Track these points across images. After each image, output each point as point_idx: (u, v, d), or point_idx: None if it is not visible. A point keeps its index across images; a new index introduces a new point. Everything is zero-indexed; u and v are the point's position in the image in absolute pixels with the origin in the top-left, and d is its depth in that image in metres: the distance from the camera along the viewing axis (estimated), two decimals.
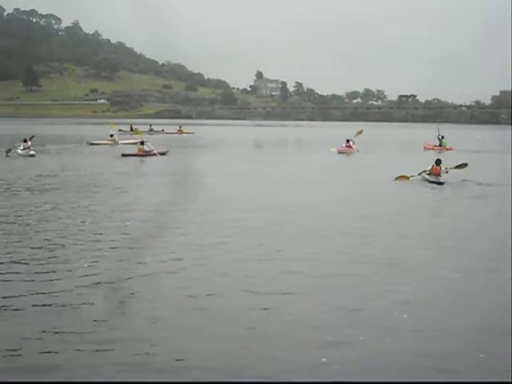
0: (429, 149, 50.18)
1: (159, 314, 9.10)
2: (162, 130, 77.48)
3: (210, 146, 54.73)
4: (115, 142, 53.21)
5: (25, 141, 40.88)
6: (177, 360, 7.40)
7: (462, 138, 69.30)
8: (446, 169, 26.69)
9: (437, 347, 7.94)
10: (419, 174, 27.01)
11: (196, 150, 46.46)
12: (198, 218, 16.76)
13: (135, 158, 39.75)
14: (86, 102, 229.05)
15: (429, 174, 26.68)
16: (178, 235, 14.47)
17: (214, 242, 13.82)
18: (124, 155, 40.27)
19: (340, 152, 45.21)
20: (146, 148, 41.10)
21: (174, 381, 6.29)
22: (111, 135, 54.18)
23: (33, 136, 43.65)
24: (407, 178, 26.99)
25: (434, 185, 25.44)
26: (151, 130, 75.92)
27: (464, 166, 27.63)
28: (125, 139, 55.32)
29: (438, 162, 26.79)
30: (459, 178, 26.71)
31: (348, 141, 46.43)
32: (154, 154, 40.67)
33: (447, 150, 48.77)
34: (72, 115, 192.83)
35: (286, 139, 75.30)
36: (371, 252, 13.11)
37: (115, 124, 63.27)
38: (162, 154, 41.97)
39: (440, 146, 50.43)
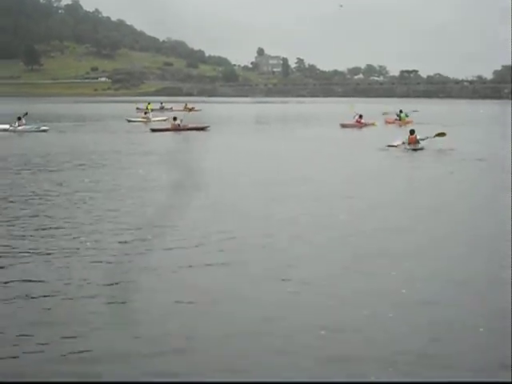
0: (390, 122, 53.35)
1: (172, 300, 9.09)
2: (171, 108, 76.62)
3: (222, 123, 54.22)
4: (148, 119, 55.28)
5: (19, 118, 42.21)
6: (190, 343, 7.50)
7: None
8: (426, 137, 30.77)
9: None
10: (402, 143, 30.68)
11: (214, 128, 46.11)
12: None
13: (167, 132, 41.41)
14: (86, 81, 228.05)
15: (408, 144, 30.56)
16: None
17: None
18: (153, 130, 42.12)
19: (347, 126, 47.97)
20: (176, 123, 42.32)
21: (174, 381, 6.27)
22: (145, 113, 57.03)
23: (26, 113, 44.44)
24: (395, 146, 30.63)
25: (412, 151, 29.80)
26: (162, 107, 76.43)
27: (443, 134, 31.17)
28: (155, 116, 57.81)
29: (412, 131, 31.00)
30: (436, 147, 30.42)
31: (361, 116, 49.46)
32: (189, 129, 41.94)
33: (406, 123, 50.36)
34: (73, 94, 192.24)
35: (299, 115, 75.92)
36: None
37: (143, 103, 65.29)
38: (201, 129, 43.36)
39: (400, 119, 53.35)
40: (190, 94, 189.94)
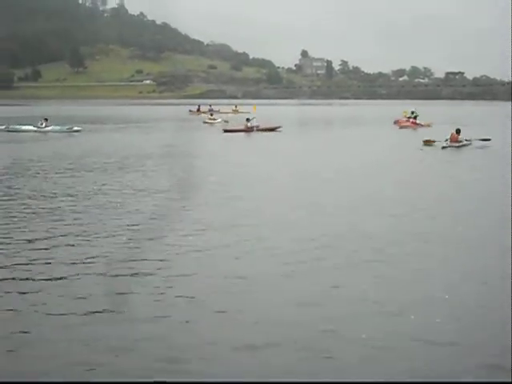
0: (402, 124, 51.97)
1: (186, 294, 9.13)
2: (218, 111, 76.61)
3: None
4: (214, 120, 56.22)
5: (46, 120, 43.98)
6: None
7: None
8: (470, 139, 33.26)
9: None
10: (445, 141, 32.49)
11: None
12: None
13: (239, 133, 41.99)
14: (131, 83, 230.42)
15: (450, 141, 32.49)
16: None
17: None
18: (226, 131, 43.13)
19: (403, 127, 49.57)
20: (249, 124, 43.15)
21: (174, 381, 6.23)
22: (211, 114, 55.63)
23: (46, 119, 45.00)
24: (433, 141, 32.93)
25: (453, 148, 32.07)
26: (211, 109, 76.98)
27: (487, 140, 33.55)
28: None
29: (458, 131, 33.02)
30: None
31: (415, 117, 51.17)
32: (261, 130, 42.95)
33: (425, 125, 50.67)
34: (118, 96, 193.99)
35: (350, 117, 76.53)
36: None
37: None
38: (272, 129, 44.19)
39: (415, 118, 52.52)
40: (234, 97, 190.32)
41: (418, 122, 50.31)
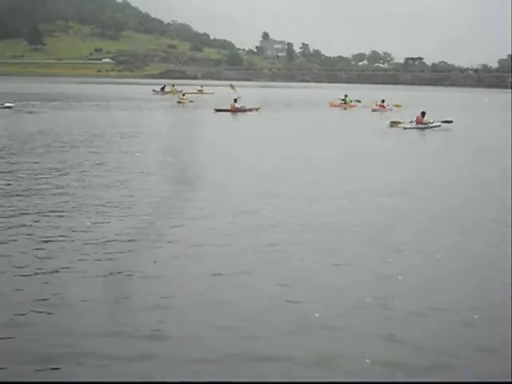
0: (335, 106, 58.17)
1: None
2: (181, 91, 76.35)
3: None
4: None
5: None
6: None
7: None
8: (433, 121, 35.41)
9: None
10: (410, 122, 35.33)
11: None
12: None
13: (228, 113, 44.65)
14: (90, 62, 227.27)
15: (415, 122, 35.17)
16: None
17: None
18: (217, 110, 45.12)
19: (374, 110, 52.65)
20: (237, 105, 45.60)
21: (175, 381, 6.25)
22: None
23: None
24: (399, 122, 35.54)
25: (419, 129, 34.66)
26: (174, 90, 77.30)
27: (449, 122, 36.12)
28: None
29: (423, 113, 35.47)
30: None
31: (383, 101, 54.23)
32: (246, 111, 45.62)
33: (351, 106, 57.50)
34: (76, 74, 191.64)
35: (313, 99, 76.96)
36: None
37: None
38: (254, 110, 46.87)
39: (345, 103, 58.38)
40: (194, 77, 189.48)
41: (385, 105, 54.07)
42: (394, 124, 35.69)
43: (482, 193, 16.73)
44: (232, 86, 48.59)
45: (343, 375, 6.37)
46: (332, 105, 58.24)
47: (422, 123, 35.14)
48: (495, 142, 30.85)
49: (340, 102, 58.77)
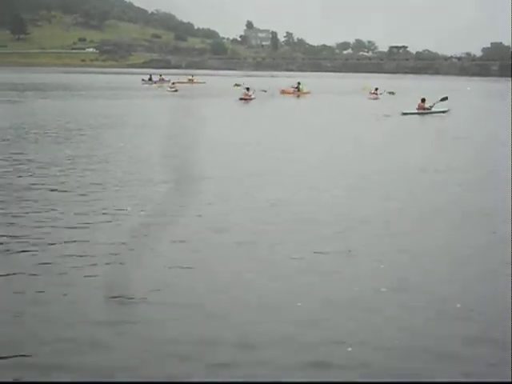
0: (288, 93, 57.98)
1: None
2: (169, 80, 75.88)
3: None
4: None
5: None
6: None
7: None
8: (433, 104, 37.89)
9: None
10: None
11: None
12: None
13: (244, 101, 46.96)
14: (74, 51, 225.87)
15: (417, 109, 37.75)
16: None
17: None
18: (241, 99, 47.32)
19: (369, 98, 54.37)
20: (249, 93, 48.70)
21: (176, 381, 6.14)
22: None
23: None
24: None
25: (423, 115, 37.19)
26: (162, 79, 77.58)
27: (445, 99, 39.11)
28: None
29: (423, 100, 38.08)
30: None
31: (376, 89, 56.83)
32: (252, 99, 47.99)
33: (304, 93, 57.92)
34: (60, 64, 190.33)
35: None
36: None
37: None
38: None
39: (298, 90, 58.59)
40: (179, 67, 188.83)
41: (378, 92, 56.61)
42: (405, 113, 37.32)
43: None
44: (237, 85, 50.98)
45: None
46: (284, 92, 57.98)
47: (423, 109, 37.64)
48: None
49: (293, 89, 58.74)
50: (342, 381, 6.14)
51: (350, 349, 6.64)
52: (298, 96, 56.63)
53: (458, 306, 7.79)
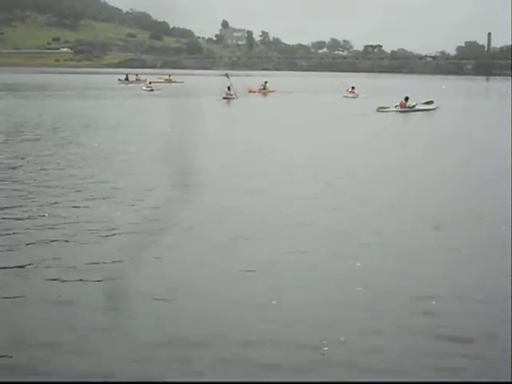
0: (253, 92, 58.91)
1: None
2: (145, 80, 74.97)
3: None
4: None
5: None
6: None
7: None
8: (415, 104, 38.92)
9: None
10: (395, 107, 38.76)
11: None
12: None
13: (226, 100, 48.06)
14: (48, 51, 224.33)
15: (399, 107, 38.52)
16: None
17: None
18: (224, 98, 48.28)
19: (346, 97, 55.35)
20: (231, 92, 49.23)
21: (174, 381, 6.14)
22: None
23: None
24: (386, 108, 38.67)
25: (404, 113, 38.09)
26: (138, 79, 77.54)
27: (431, 102, 40.35)
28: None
29: (406, 98, 38.85)
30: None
31: (353, 88, 57.45)
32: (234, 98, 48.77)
33: (270, 92, 59.34)
34: (34, 64, 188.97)
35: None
36: None
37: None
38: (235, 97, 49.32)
39: (264, 89, 59.88)
40: (154, 66, 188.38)
41: (355, 91, 56.96)
42: (381, 109, 38.63)
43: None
44: (227, 76, 49.98)
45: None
46: (250, 91, 58.55)
47: (405, 107, 38.52)
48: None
49: (260, 88, 59.85)
50: (342, 381, 6.15)
51: (326, 348, 6.63)
52: (264, 94, 58.24)
53: (458, 305, 7.83)
